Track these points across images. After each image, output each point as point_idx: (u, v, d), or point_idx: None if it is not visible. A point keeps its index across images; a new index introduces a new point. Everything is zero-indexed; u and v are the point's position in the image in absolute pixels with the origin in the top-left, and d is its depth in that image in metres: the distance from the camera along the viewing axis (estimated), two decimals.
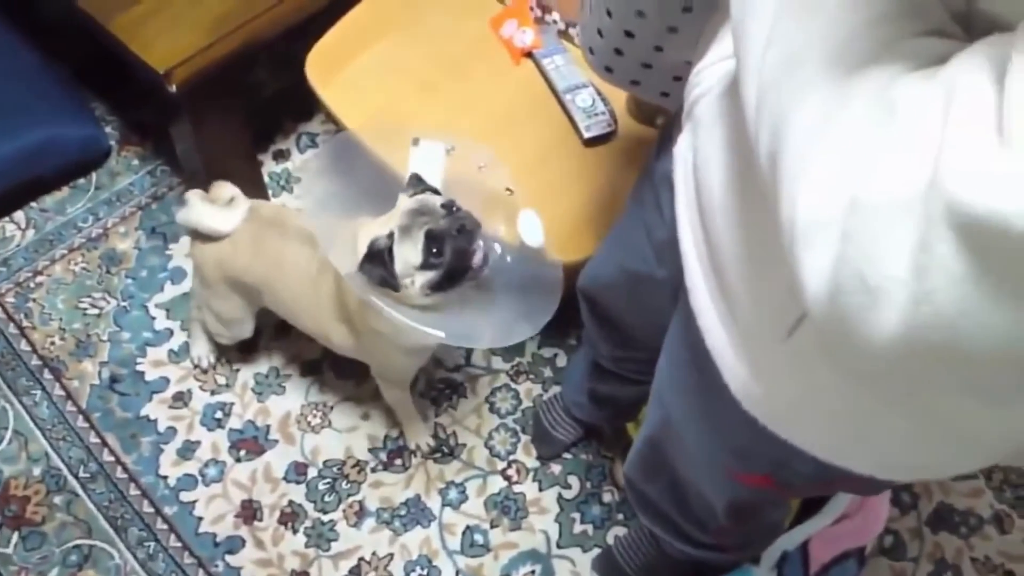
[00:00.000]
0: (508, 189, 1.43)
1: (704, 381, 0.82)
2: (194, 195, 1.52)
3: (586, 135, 1.60)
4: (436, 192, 1.35)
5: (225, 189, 1.55)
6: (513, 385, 1.80)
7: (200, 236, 1.53)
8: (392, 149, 1.44)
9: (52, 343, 1.81)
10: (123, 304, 1.86)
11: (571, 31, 1.71)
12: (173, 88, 1.59)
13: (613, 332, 1.34)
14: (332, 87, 1.68)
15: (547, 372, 1.82)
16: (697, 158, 0.79)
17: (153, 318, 1.85)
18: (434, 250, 1.26)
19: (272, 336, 1.83)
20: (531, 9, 1.73)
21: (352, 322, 1.46)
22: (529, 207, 1.43)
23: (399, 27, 1.74)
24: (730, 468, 0.91)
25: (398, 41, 1.73)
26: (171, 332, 1.83)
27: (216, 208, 1.52)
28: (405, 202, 1.31)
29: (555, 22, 1.72)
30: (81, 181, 2.02)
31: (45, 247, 1.93)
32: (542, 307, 1.34)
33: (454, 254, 1.27)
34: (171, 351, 1.81)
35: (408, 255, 1.27)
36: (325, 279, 1.46)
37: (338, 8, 1.74)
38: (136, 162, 2.05)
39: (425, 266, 1.27)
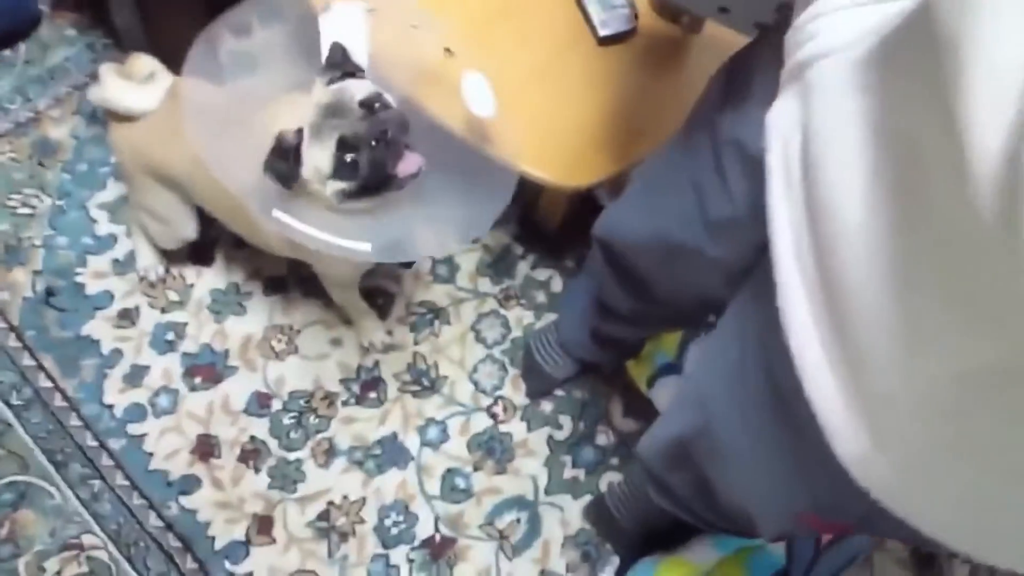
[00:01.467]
0: (447, 49, 1.20)
1: (785, 418, 0.64)
2: (107, 69, 1.31)
3: (601, 32, 1.36)
4: (359, 74, 1.12)
5: (143, 62, 1.33)
6: (502, 311, 1.62)
7: (117, 117, 1.32)
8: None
9: None
10: (59, 203, 1.63)
11: None
12: None
13: (635, 287, 1.15)
14: None
15: (540, 297, 1.63)
16: (813, 143, 0.58)
17: (94, 221, 1.62)
18: (347, 159, 1.06)
19: (231, 246, 1.61)
20: None
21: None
22: (474, 69, 1.19)
23: None
24: (802, 513, 0.74)
25: None
26: (115, 238, 1.61)
27: (132, 84, 1.30)
28: (319, 91, 1.10)
29: None
30: (7, 53, 1.74)
31: None
32: (490, 202, 1.13)
33: (371, 166, 1.07)
34: (115, 260, 1.59)
35: (318, 160, 1.07)
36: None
37: None
38: (71, 32, 1.77)
39: (336, 176, 1.07)
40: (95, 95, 1.34)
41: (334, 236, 1.06)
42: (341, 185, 1.08)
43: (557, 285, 1.64)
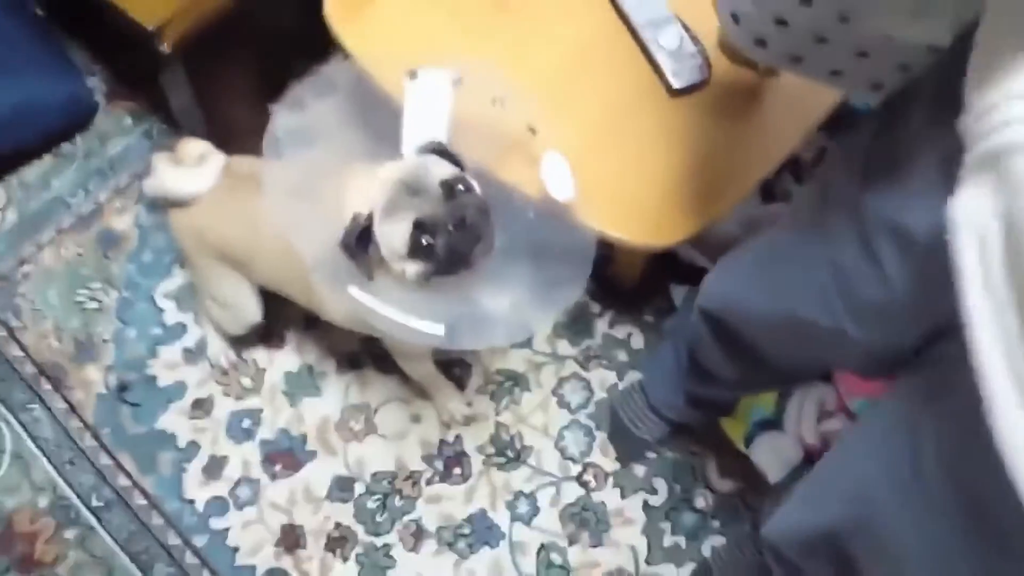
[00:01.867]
0: (531, 129, 1.16)
1: (981, 528, 0.58)
2: (159, 159, 1.31)
3: (674, 84, 1.31)
4: (442, 152, 1.08)
5: (193, 145, 1.31)
6: (583, 373, 1.56)
7: (175, 204, 1.32)
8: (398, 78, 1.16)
9: (48, 346, 1.56)
10: (126, 295, 1.60)
11: None
12: (166, 48, 1.30)
13: (746, 357, 1.09)
14: (357, 29, 1.37)
15: (621, 356, 1.57)
16: (1022, 242, 0.51)
17: (162, 310, 1.59)
18: (423, 242, 1.02)
19: (301, 326, 1.57)
20: None
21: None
22: (554, 149, 1.15)
23: None
24: None
25: None
26: (184, 327, 1.58)
27: (184, 169, 1.29)
28: (397, 166, 1.07)
29: None
30: (66, 147, 1.73)
31: (30, 230, 1.66)
32: (570, 279, 1.10)
33: (447, 251, 1.02)
34: (186, 349, 1.56)
35: (393, 238, 1.03)
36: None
37: None
38: (128, 121, 1.76)
39: (412, 256, 1.03)
40: (150, 187, 1.33)
41: (407, 315, 1.02)
42: (416, 266, 1.04)
43: (638, 342, 1.58)
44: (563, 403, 1.53)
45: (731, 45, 1.33)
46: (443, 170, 1.06)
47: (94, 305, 1.60)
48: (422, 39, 1.35)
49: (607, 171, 1.27)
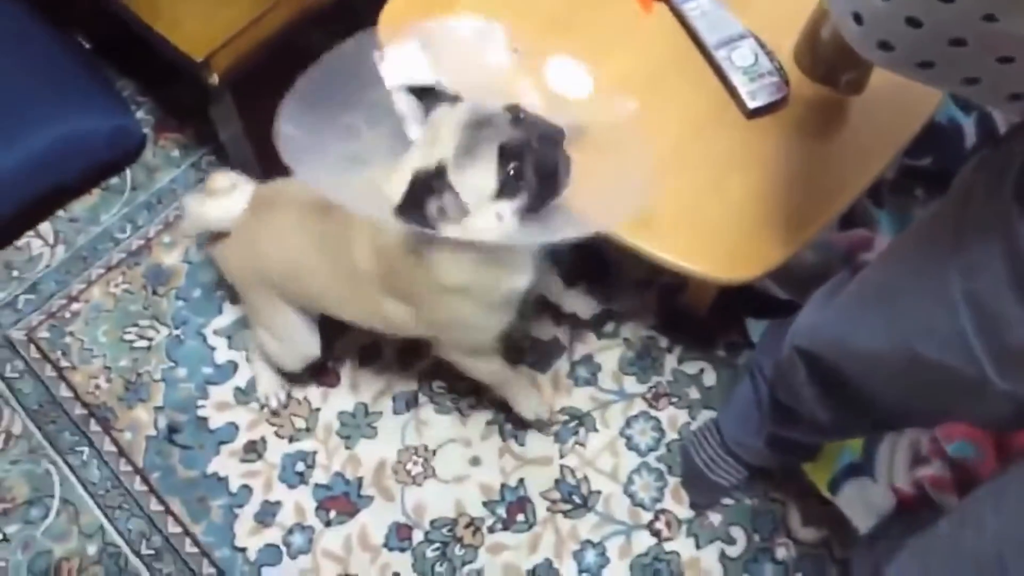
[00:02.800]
0: (513, 49, 1.10)
1: None
2: (189, 200, 1.32)
3: (750, 104, 1.22)
4: (439, 91, 1.03)
5: (222, 178, 1.30)
6: (653, 412, 1.47)
7: (216, 237, 1.31)
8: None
9: (97, 386, 1.52)
10: (176, 333, 1.56)
11: None
12: (215, 79, 1.25)
13: (847, 401, 0.99)
14: None
15: (693, 393, 1.48)
16: None
17: (212, 348, 1.54)
18: (512, 170, 0.94)
19: (355, 365, 1.51)
20: None
21: (406, 290, 1.14)
22: (557, 55, 1.09)
23: None
24: None
25: None
26: (235, 365, 1.52)
27: (216, 200, 1.27)
28: (450, 114, 0.98)
29: None
30: (114, 181, 1.70)
31: (78, 266, 1.62)
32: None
33: (540, 171, 0.95)
34: (237, 389, 1.51)
35: (477, 182, 0.95)
36: (359, 248, 1.14)
37: None
38: (176, 153, 1.72)
39: (504, 192, 0.95)
40: (187, 228, 1.36)
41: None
42: (512, 204, 0.96)
43: (710, 378, 1.48)
44: (632, 445, 1.44)
45: (808, 57, 1.24)
46: (494, 103, 0.98)
47: (143, 343, 1.55)
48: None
49: (680, 199, 1.19)
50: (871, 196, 1.52)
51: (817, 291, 1.08)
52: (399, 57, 1.10)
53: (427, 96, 1.04)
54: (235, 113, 1.38)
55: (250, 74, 1.30)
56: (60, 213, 1.66)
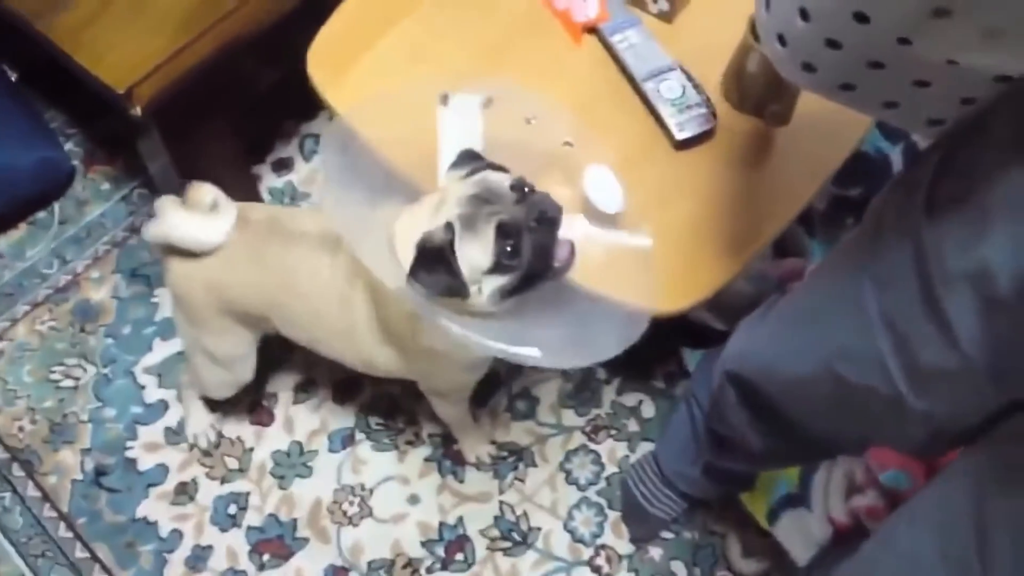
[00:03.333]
0: (567, 143, 1.11)
1: None
2: (167, 202, 1.17)
3: (678, 136, 1.22)
4: (499, 168, 1.02)
5: (204, 190, 1.18)
6: (591, 446, 1.45)
7: (179, 253, 1.18)
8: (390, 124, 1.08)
9: (21, 428, 1.47)
10: (104, 371, 1.51)
11: None
12: (137, 111, 1.22)
13: (777, 426, 0.99)
14: (342, 89, 1.29)
15: (632, 425, 1.47)
16: None
17: (142, 387, 1.50)
18: (508, 248, 0.95)
19: (290, 403, 1.48)
20: None
21: (399, 341, 1.14)
22: (598, 162, 1.09)
23: (419, 5, 1.35)
24: None
25: (421, 22, 1.34)
26: (166, 404, 1.48)
27: (197, 216, 1.17)
28: (459, 185, 1.00)
29: None
30: (42, 215, 1.66)
31: (3, 304, 1.57)
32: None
33: (534, 252, 0.97)
34: (168, 429, 1.47)
35: (474, 255, 0.96)
36: (357, 292, 1.13)
37: None
38: (106, 186, 1.68)
39: (497, 269, 0.96)
40: (153, 231, 1.18)
41: (503, 342, 0.96)
42: (503, 280, 0.97)
43: (649, 410, 1.48)
44: (571, 479, 1.43)
45: (734, 89, 1.25)
46: (507, 177, 1.00)
47: (70, 383, 1.50)
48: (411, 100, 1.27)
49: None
50: (804, 226, 1.53)
51: (746, 317, 1.08)
52: (461, 104, 1.10)
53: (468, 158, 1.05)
54: (161, 145, 1.35)
55: (176, 105, 1.27)
56: None
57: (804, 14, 0.67)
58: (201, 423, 1.44)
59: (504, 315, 1.02)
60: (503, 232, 0.95)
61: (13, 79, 1.71)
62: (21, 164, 1.59)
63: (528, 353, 0.98)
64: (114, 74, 1.21)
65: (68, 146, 1.71)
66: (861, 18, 0.62)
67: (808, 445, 1.01)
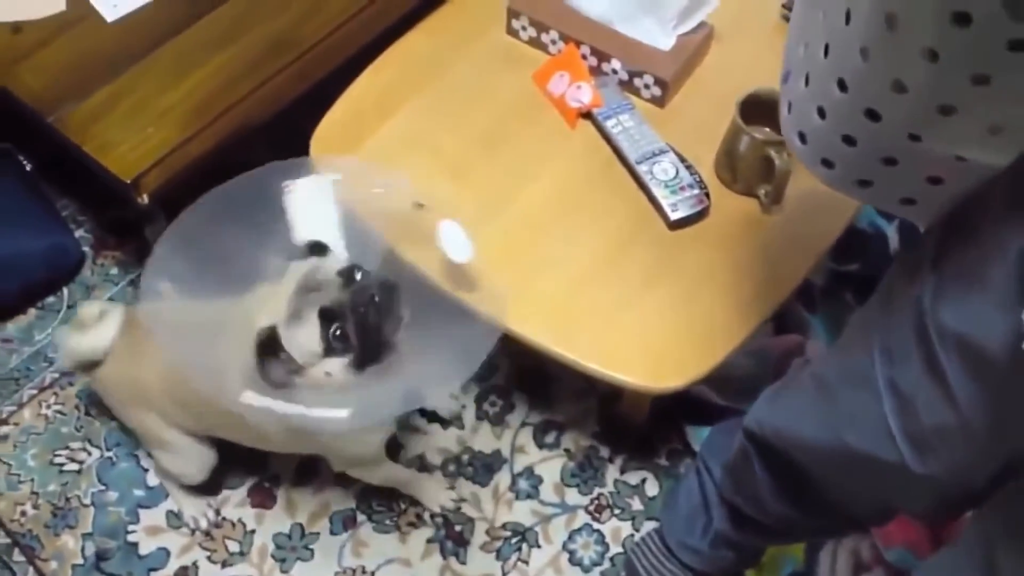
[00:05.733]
0: (417, 204, 1.15)
1: None
2: (60, 333, 1.37)
3: (672, 216, 1.25)
4: (323, 248, 1.08)
5: (90, 308, 1.31)
6: (595, 525, 1.44)
7: (88, 368, 1.32)
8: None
9: (23, 513, 1.47)
10: (108, 454, 1.52)
11: (635, 81, 1.36)
12: (144, 200, 1.26)
13: (796, 493, 0.99)
14: None
15: (636, 504, 1.46)
16: None
17: (145, 470, 1.50)
18: (335, 332, 1.00)
19: (291, 483, 1.48)
20: (584, 58, 1.38)
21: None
22: (447, 217, 1.12)
23: (419, 92, 1.40)
24: None
25: (420, 109, 1.39)
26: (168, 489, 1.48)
27: (87, 331, 1.28)
28: (292, 276, 1.05)
29: (615, 72, 1.37)
30: (51, 300, 1.68)
31: (10, 388, 1.58)
32: (474, 350, 1.03)
33: (362, 333, 1.01)
34: (170, 512, 1.46)
35: (304, 341, 1.01)
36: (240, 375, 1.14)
37: (345, 76, 1.40)
38: (115, 271, 1.71)
39: (329, 352, 1.01)
40: (63, 362, 1.36)
41: (307, 407, 1.01)
42: (338, 361, 1.01)
43: (653, 488, 1.47)
44: (575, 560, 1.41)
45: (727, 169, 1.28)
46: (337, 263, 1.05)
47: (74, 467, 1.51)
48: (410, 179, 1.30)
49: (606, 309, 1.20)
50: (803, 302, 1.55)
51: (769, 387, 1.09)
52: (307, 187, 1.15)
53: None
54: None
55: (182, 192, 1.30)
56: None
57: (821, 112, 0.70)
58: (195, 505, 1.44)
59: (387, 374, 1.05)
60: (325, 317, 1.00)
61: (28, 169, 1.76)
62: (33, 250, 1.62)
63: (334, 415, 1.02)
64: (121, 164, 1.25)
65: (79, 232, 1.74)
66: (872, 116, 0.65)
67: (824, 513, 1.01)
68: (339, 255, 1.08)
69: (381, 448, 1.32)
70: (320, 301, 1.01)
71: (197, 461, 1.36)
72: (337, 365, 1.02)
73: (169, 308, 1.08)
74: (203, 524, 1.43)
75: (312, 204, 1.11)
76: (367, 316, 1.01)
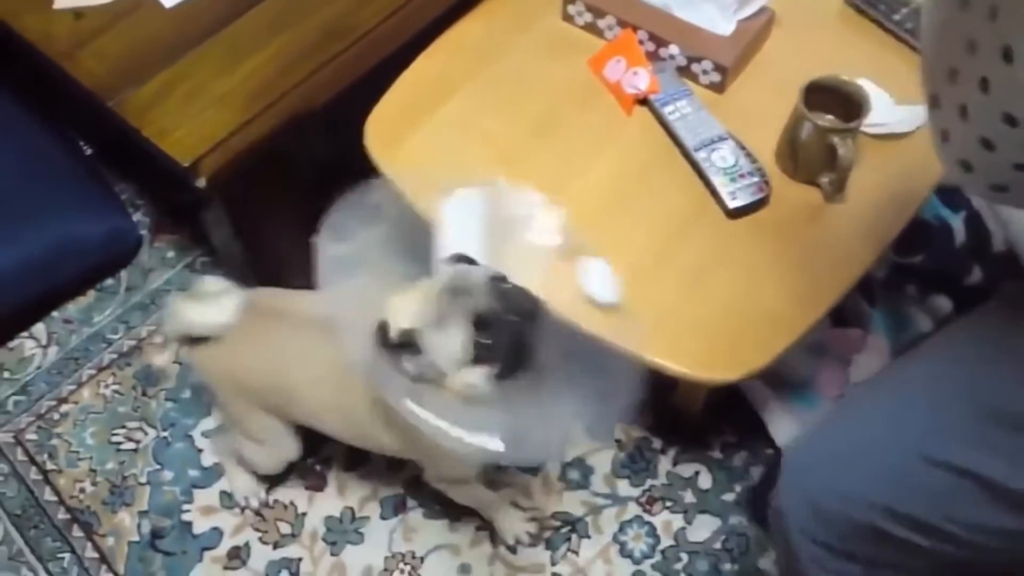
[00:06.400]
0: (563, 238, 1.14)
1: None
2: (175, 300, 1.28)
3: (731, 204, 1.22)
4: (470, 260, 1.05)
5: (211, 282, 1.28)
6: (647, 517, 1.43)
7: (197, 342, 1.26)
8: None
9: (82, 490, 1.50)
10: (164, 434, 1.54)
11: (694, 67, 1.33)
12: (202, 183, 1.26)
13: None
14: (398, 161, 1.32)
15: (688, 497, 1.44)
16: None
17: (200, 451, 1.52)
18: (486, 339, 0.96)
19: (342, 469, 1.49)
20: (640, 43, 1.35)
21: (397, 423, 1.13)
22: (595, 255, 1.12)
23: (473, 78, 1.38)
24: None
25: (474, 96, 1.37)
26: (222, 468, 1.50)
27: (204, 304, 1.24)
28: (439, 279, 1.02)
29: (673, 57, 1.34)
30: (109, 282, 1.71)
31: (70, 367, 1.62)
32: (616, 397, 1.02)
33: (512, 342, 0.97)
34: (223, 493, 1.48)
35: (450, 347, 0.97)
36: (356, 376, 1.13)
37: (399, 61, 1.39)
38: (172, 254, 1.74)
39: (477, 360, 0.97)
40: (170, 328, 1.28)
41: (463, 430, 0.97)
42: (481, 371, 0.98)
43: (706, 481, 1.45)
44: (626, 552, 1.40)
45: (788, 158, 1.25)
46: (485, 270, 1.01)
47: (131, 446, 1.54)
48: (461, 166, 1.30)
49: (663, 299, 1.18)
50: (864, 295, 1.51)
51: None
52: (463, 199, 1.14)
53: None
54: (225, 216, 1.40)
55: (239, 178, 1.31)
56: (54, 314, 1.67)
57: (964, 112, 0.67)
58: (247, 485, 1.45)
59: (496, 404, 1.01)
60: (478, 325, 0.97)
61: (88, 153, 1.79)
62: (92, 234, 1.64)
63: (490, 444, 0.97)
64: (179, 148, 1.25)
65: (137, 216, 1.78)
66: (1011, 121, 0.63)
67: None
68: (483, 267, 1.04)
69: (476, 469, 1.29)
70: (469, 306, 0.98)
71: (280, 453, 1.34)
72: (480, 375, 0.99)
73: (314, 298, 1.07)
74: (254, 503, 1.45)
75: (463, 218, 1.10)
76: (518, 326, 0.98)
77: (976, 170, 0.71)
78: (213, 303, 1.26)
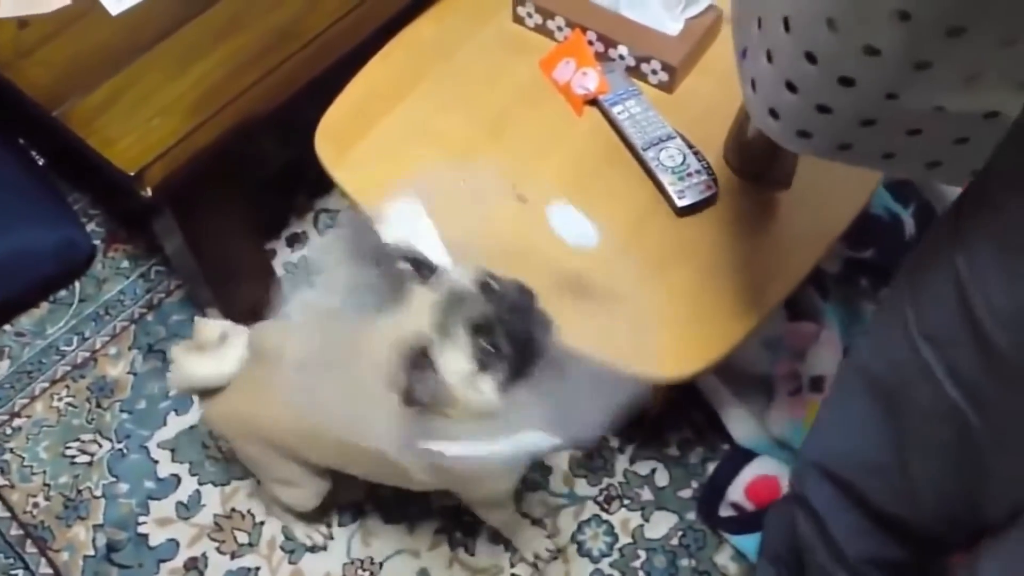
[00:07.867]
0: (520, 197, 1.12)
1: None
2: (177, 350, 1.19)
3: (679, 203, 1.23)
4: (429, 266, 0.99)
5: (210, 328, 1.19)
6: (605, 516, 1.43)
7: (206, 394, 1.20)
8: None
9: (35, 505, 1.48)
10: (119, 446, 1.52)
11: (643, 67, 1.34)
12: (147, 192, 1.25)
13: (876, 527, 0.96)
14: (347, 166, 1.32)
15: (645, 494, 1.44)
16: None
17: (155, 462, 1.51)
18: (487, 344, 0.93)
19: None
20: (590, 44, 1.36)
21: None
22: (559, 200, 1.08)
23: (425, 80, 1.39)
24: None
25: (425, 97, 1.37)
26: (178, 479, 1.49)
27: (207, 353, 1.17)
28: (424, 296, 0.97)
29: (622, 57, 1.35)
30: (62, 293, 1.69)
31: (23, 381, 1.59)
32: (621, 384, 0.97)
33: (513, 341, 0.94)
34: (179, 504, 1.47)
35: (456, 361, 0.93)
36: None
37: (354, 65, 1.39)
38: (125, 264, 1.72)
39: (482, 368, 0.93)
40: (175, 381, 1.23)
41: (504, 441, 0.93)
42: (490, 378, 0.94)
43: (663, 478, 1.45)
44: (584, 551, 1.40)
45: (735, 154, 1.26)
46: (468, 274, 0.97)
47: (85, 459, 1.52)
48: (413, 167, 1.29)
49: (614, 297, 1.18)
50: (817, 289, 1.52)
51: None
52: (400, 211, 1.07)
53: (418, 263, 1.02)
54: (175, 224, 1.38)
55: (188, 186, 1.30)
56: (6, 327, 1.65)
57: (791, 87, 0.69)
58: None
59: (503, 415, 0.97)
60: (476, 331, 0.93)
61: (40, 163, 1.77)
62: (45, 245, 1.63)
63: (544, 443, 0.94)
64: (125, 158, 1.24)
65: (91, 226, 1.75)
66: (846, 82, 0.64)
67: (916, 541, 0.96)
68: (463, 269, 0.99)
69: (512, 490, 1.24)
70: (465, 315, 0.94)
71: (313, 488, 1.29)
72: (490, 383, 0.94)
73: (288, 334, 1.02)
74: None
75: (407, 226, 1.04)
76: (513, 323, 0.94)
77: (783, 117, 0.72)
78: (214, 353, 1.18)
